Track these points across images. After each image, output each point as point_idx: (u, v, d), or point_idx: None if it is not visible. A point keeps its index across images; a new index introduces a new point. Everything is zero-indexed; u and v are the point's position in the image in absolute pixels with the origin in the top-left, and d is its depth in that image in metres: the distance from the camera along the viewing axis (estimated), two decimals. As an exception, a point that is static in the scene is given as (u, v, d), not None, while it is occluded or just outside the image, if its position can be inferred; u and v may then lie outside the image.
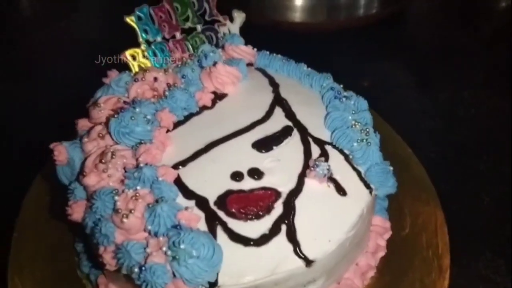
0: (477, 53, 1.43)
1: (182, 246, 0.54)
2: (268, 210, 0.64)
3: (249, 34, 0.90)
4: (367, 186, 0.70)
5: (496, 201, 0.98)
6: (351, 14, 1.42)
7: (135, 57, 0.83)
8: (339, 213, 0.66)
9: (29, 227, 0.83)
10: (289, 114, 0.78)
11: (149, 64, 0.83)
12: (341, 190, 0.68)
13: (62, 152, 0.67)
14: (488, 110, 1.22)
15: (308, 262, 0.61)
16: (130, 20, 0.81)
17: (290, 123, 0.76)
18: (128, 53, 0.82)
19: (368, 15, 1.41)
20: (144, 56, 0.83)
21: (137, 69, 0.82)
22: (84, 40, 1.48)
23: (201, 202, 0.64)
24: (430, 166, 0.93)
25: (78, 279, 0.78)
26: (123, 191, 0.60)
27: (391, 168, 0.73)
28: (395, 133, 1.00)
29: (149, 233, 0.58)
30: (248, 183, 0.67)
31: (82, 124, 0.73)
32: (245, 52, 0.87)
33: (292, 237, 0.62)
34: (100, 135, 0.68)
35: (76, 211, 0.63)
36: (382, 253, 0.77)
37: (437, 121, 1.20)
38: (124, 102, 0.74)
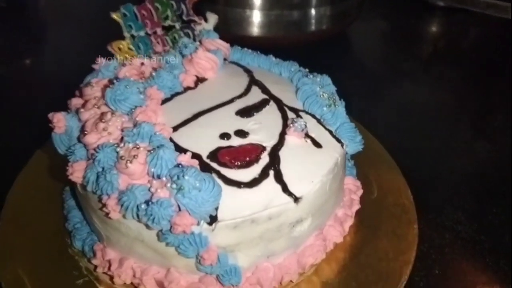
0: (416, 70, 1.62)
1: (186, 177, 0.60)
2: (256, 159, 0.71)
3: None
4: (339, 141, 0.80)
5: (451, 170, 1.11)
6: (304, 29, 1.58)
7: (121, 49, 0.90)
8: (318, 160, 0.74)
9: (16, 215, 0.84)
10: (265, 90, 0.88)
11: (132, 55, 0.91)
12: (317, 144, 0.77)
13: (60, 120, 0.71)
14: (432, 103, 1.39)
15: (296, 199, 0.68)
16: (117, 16, 0.89)
17: (266, 97, 0.86)
18: (114, 45, 0.89)
19: (319, 30, 1.58)
20: (129, 48, 0.91)
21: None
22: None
23: (195, 157, 0.70)
24: (389, 147, 1.05)
25: (71, 258, 0.79)
26: (124, 144, 0.66)
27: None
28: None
29: (152, 176, 0.63)
30: (235, 141, 0.74)
31: (75, 102, 0.79)
32: (221, 45, 0.97)
33: (279, 179, 0.69)
34: (96, 105, 0.74)
35: (77, 170, 0.67)
36: (357, 207, 0.86)
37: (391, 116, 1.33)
38: (110, 80, 0.80)
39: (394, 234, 0.86)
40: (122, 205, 0.63)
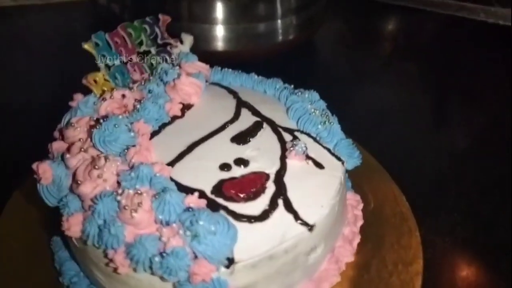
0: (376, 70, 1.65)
1: (201, 223, 0.56)
2: (263, 189, 0.69)
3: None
4: (339, 159, 0.78)
5: (438, 172, 1.13)
6: (271, 41, 1.57)
7: (97, 81, 0.84)
8: (323, 182, 0.73)
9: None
10: (255, 112, 0.85)
11: (110, 87, 0.85)
12: (318, 165, 0.75)
13: (46, 170, 0.65)
14: (398, 101, 1.41)
15: (310, 227, 0.66)
16: (88, 46, 0.83)
17: (258, 119, 0.83)
18: (90, 77, 0.83)
19: (286, 40, 1.58)
20: (105, 80, 0.85)
21: (98, 92, 0.84)
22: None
23: (198, 193, 0.66)
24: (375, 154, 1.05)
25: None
26: (123, 191, 0.61)
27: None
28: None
29: (161, 223, 0.59)
30: (237, 171, 0.71)
31: (57, 146, 0.72)
32: (201, 67, 0.94)
33: (290, 208, 0.67)
34: (83, 149, 0.68)
35: (73, 224, 0.62)
36: (361, 222, 0.85)
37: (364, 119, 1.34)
38: (97, 120, 0.75)
39: (399, 245, 0.86)
40: (132, 259, 0.57)
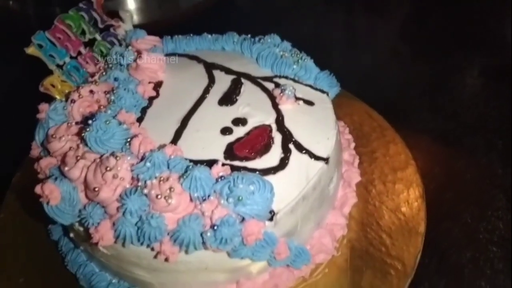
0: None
1: (240, 186, 0.57)
2: (271, 140, 0.70)
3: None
4: (322, 91, 0.81)
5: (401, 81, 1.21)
6: (184, 5, 1.53)
7: (54, 85, 0.77)
8: (319, 117, 0.75)
9: None
10: (228, 70, 0.84)
11: (70, 87, 0.79)
12: (309, 103, 0.77)
13: (53, 190, 0.60)
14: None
15: (326, 160, 0.69)
16: (32, 51, 0.75)
17: (234, 76, 0.82)
18: (46, 83, 0.76)
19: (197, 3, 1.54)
20: (62, 81, 0.78)
21: (61, 96, 0.77)
22: None
23: (214, 163, 0.66)
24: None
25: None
26: (145, 184, 0.59)
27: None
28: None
29: (198, 200, 0.58)
30: (239, 131, 0.71)
31: (46, 163, 0.66)
32: (153, 40, 0.89)
33: (302, 148, 0.69)
34: (78, 156, 0.63)
35: (105, 234, 0.59)
36: (353, 144, 0.90)
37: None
38: (76, 123, 0.70)
39: (389, 155, 0.92)
40: (181, 243, 0.57)
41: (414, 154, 0.92)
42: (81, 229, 0.63)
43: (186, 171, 0.59)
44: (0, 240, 0.82)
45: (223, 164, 0.64)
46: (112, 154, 0.61)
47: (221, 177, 0.60)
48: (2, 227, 0.84)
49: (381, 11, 1.56)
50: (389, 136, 0.96)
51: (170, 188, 0.57)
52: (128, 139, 0.65)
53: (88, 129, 0.63)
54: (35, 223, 0.81)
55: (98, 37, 0.86)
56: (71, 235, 0.70)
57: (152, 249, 0.59)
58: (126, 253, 0.62)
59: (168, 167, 0.61)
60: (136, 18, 1.57)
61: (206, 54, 0.89)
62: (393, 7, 1.56)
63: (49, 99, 0.75)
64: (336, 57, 1.34)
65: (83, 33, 0.83)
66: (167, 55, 0.91)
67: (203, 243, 0.57)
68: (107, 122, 0.64)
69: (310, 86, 0.81)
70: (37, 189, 0.60)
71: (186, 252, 0.58)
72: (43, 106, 0.73)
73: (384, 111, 1.01)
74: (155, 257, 0.59)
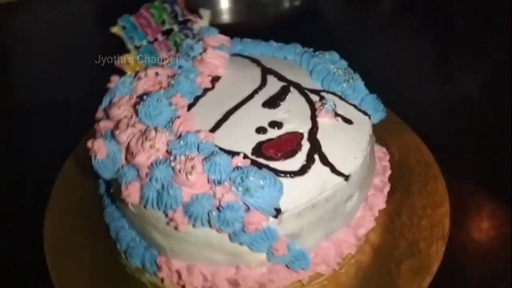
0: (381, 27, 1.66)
1: (251, 178, 0.62)
2: (299, 147, 0.74)
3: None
4: (365, 113, 0.83)
5: (453, 119, 1.17)
6: (272, 11, 1.61)
7: (129, 62, 0.89)
8: (354, 136, 0.78)
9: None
10: (281, 77, 0.89)
11: (141, 66, 0.90)
12: (347, 121, 0.80)
13: (101, 146, 0.71)
14: (416, 59, 1.44)
15: (346, 177, 0.72)
16: (116, 30, 0.88)
17: (285, 83, 0.87)
18: (122, 59, 0.88)
19: (291, 7, 1.61)
20: (136, 60, 0.90)
21: (131, 72, 0.89)
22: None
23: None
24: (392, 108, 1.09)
25: (131, 276, 0.80)
26: (175, 158, 0.66)
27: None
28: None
29: (213, 182, 0.65)
30: (273, 133, 0.76)
31: (104, 125, 0.78)
32: (222, 39, 0.98)
33: (326, 161, 0.72)
34: (129, 125, 0.74)
35: (132, 192, 0.68)
36: (389, 172, 0.90)
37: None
38: (138, 97, 0.80)
39: (426, 191, 0.91)
40: (190, 216, 0.64)
41: (452, 197, 0.90)
42: (117, 185, 0.73)
43: (210, 155, 0.66)
44: (61, 189, 0.96)
45: (247, 157, 0.70)
46: (155, 128, 0.69)
47: (238, 167, 0.65)
48: (64, 180, 0.97)
49: (476, 52, 1.49)
50: (431, 174, 0.95)
51: (192, 166, 0.64)
52: (173, 119, 0.73)
53: (141, 104, 0.73)
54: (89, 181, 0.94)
55: (175, 28, 0.96)
56: (112, 190, 0.81)
57: (167, 215, 0.66)
58: (147, 214, 0.70)
59: (198, 149, 0.68)
60: (224, 17, 1.71)
61: (268, 59, 0.96)
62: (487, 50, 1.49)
63: (121, 73, 0.87)
64: (412, 87, 1.32)
65: (163, 22, 0.94)
66: (234, 55, 0.99)
67: (209, 220, 0.63)
68: (158, 101, 0.73)
69: (355, 106, 0.84)
70: (89, 143, 0.71)
71: (194, 225, 0.65)
72: (114, 78, 0.85)
73: (434, 146, 0.99)
74: (168, 224, 0.67)
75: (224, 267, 0.73)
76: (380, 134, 1.01)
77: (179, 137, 0.70)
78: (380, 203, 0.83)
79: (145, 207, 0.68)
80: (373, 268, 0.78)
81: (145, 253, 0.78)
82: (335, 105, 0.79)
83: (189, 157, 0.65)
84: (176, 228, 0.66)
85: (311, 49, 0.97)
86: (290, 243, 0.69)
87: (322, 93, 0.85)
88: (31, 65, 1.53)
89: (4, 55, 1.62)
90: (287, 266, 0.71)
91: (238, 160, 0.67)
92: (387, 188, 0.87)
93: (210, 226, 0.64)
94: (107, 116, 0.79)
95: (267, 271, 0.72)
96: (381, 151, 0.93)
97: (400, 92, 1.26)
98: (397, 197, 0.90)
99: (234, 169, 0.66)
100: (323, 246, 0.75)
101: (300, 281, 0.74)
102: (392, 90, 1.25)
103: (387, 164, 0.91)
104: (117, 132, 0.73)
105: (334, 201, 0.71)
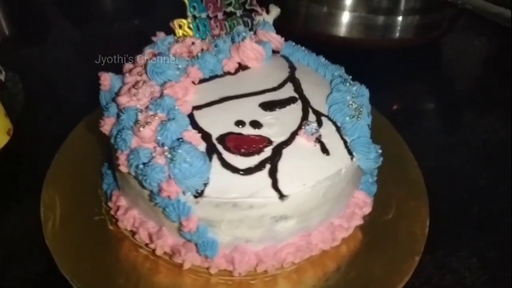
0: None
1: (179, 151, 0.67)
2: (259, 151, 0.76)
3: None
4: (350, 153, 0.80)
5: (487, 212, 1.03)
6: (387, 35, 1.54)
7: (181, 26, 1.00)
8: (318, 166, 0.76)
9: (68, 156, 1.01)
10: (298, 89, 0.90)
11: (189, 34, 1.00)
12: (325, 151, 0.78)
13: (106, 79, 0.83)
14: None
15: (282, 196, 0.72)
16: (184, -7, 0.98)
17: (296, 95, 0.88)
18: (176, 22, 0.99)
19: (404, 38, 1.52)
20: (188, 27, 1.00)
21: (178, 35, 0.99)
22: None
23: (205, 136, 0.77)
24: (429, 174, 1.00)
25: (98, 198, 0.92)
26: (145, 111, 0.75)
27: (378, 146, 0.82)
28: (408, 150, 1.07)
29: (158, 143, 0.72)
30: (247, 130, 0.79)
31: (127, 66, 0.90)
32: (274, 38, 1.02)
33: (272, 174, 0.73)
34: (139, 73, 0.84)
35: (107, 124, 0.79)
36: (357, 222, 0.85)
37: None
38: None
39: (392, 261, 0.84)
40: (128, 161, 0.72)
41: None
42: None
43: (168, 120, 0.73)
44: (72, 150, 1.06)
45: (209, 141, 0.75)
46: (145, 81, 0.79)
47: (181, 138, 0.71)
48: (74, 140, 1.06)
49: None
50: (410, 249, 0.86)
51: (148, 122, 0.72)
52: (173, 82, 0.82)
53: (153, 59, 0.83)
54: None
55: (238, 13, 1.04)
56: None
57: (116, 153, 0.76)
58: (113, 149, 0.81)
59: (168, 113, 0.76)
60: (338, 30, 1.70)
61: (304, 70, 0.97)
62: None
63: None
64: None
65: (229, 4, 1.03)
66: (282, 55, 1.03)
67: (136, 172, 0.71)
68: (166, 61, 0.82)
69: (345, 142, 0.81)
70: (100, 73, 0.84)
71: (129, 172, 0.74)
72: (160, 34, 0.96)
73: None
74: (116, 161, 0.77)
75: (152, 222, 0.80)
76: (391, 189, 0.96)
77: (161, 96, 0.78)
78: (323, 243, 0.80)
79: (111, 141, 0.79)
80: None
81: (112, 183, 0.89)
82: (317, 130, 0.78)
83: (153, 114, 0.73)
84: (119, 168, 0.75)
85: (350, 77, 0.96)
86: (202, 227, 0.72)
87: (323, 118, 0.84)
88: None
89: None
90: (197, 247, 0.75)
91: (187, 134, 0.72)
92: (343, 234, 0.83)
93: (136, 177, 0.72)
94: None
95: (181, 243, 0.77)
96: (364, 200, 0.87)
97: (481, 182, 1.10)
98: (360, 253, 0.85)
99: (178, 139, 0.71)
100: (239, 249, 0.76)
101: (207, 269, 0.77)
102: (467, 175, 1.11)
103: (360, 213, 0.86)
104: (127, 74, 0.85)
105: (260, 211, 0.72)
